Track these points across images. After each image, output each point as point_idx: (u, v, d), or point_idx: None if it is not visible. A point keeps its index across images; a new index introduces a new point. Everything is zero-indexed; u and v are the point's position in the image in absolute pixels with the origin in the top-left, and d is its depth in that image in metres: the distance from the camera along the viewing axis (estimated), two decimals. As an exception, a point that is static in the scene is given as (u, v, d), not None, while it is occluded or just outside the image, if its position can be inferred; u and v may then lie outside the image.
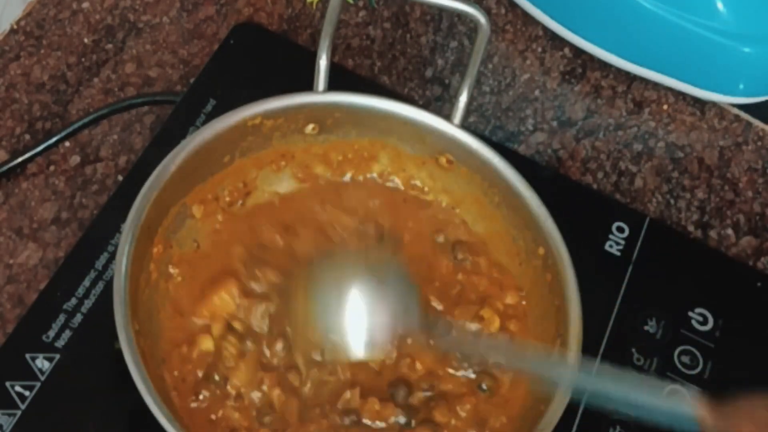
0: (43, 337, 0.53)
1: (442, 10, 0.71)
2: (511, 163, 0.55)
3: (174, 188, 0.52)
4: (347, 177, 0.58)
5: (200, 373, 0.51)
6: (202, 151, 0.53)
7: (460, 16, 0.70)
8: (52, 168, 0.62)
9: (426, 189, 0.58)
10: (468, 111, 0.56)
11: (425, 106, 0.58)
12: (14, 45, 0.66)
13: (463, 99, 0.55)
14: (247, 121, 0.54)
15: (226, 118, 0.54)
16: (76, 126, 0.62)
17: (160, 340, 0.51)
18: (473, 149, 0.55)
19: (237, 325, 0.52)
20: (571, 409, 0.55)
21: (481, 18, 0.54)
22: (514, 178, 0.54)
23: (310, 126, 0.56)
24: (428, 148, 0.56)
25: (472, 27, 0.69)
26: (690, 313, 0.58)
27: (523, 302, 0.55)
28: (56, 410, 0.52)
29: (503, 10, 0.72)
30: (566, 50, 0.71)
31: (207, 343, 0.51)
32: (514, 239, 0.55)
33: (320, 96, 0.55)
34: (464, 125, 0.56)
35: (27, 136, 0.63)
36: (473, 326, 0.54)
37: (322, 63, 0.54)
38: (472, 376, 0.52)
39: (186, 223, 0.54)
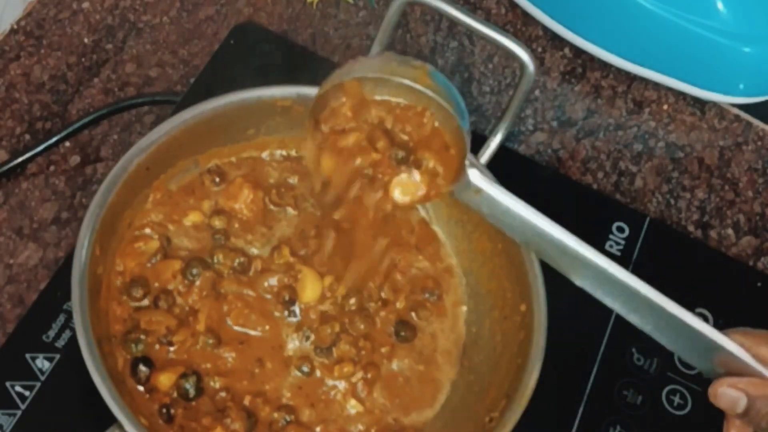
0: (43, 337, 0.54)
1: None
2: (511, 163, 0.54)
3: (190, 139, 0.53)
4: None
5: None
6: (226, 115, 0.53)
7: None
8: (52, 168, 0.62)
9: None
10: (497, 152, 0.53)
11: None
12: (14, 45, 0.66)
13: (496, 140, 0.53)
14: (277, 101, 0.54)
15: (254, 91, 0.54)
16: (76, 126, 0.62)
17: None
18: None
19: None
20: (571, 408, 0.56)
21: (528, 61, 0.51)
22: None
23: None
24: None
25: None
26: (690, 313, 0.58)
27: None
28: (56, 410, 0.52)
29: (503, 10, 0.72)
30: (566, 50, 0.71)
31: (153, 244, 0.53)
32: (505, 291, 0.54)
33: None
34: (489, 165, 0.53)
35: (27, 136, 0.63)
36: None
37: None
38: None
39: None
